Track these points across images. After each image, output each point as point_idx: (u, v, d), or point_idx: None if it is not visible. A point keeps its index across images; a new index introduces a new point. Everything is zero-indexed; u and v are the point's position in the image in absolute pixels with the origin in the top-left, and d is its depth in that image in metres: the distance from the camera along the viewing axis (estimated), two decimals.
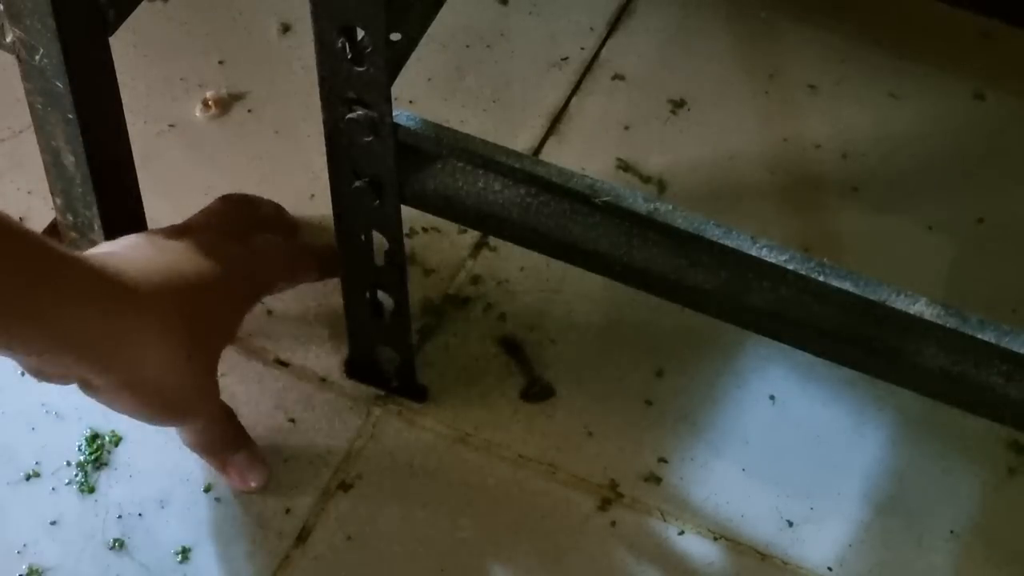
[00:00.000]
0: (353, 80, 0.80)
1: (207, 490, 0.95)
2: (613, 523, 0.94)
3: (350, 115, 0.82)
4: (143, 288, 0.83)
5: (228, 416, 0.93)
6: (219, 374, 0.99)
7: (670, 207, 0.80)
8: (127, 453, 0.96)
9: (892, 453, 0.97)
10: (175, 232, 0.92)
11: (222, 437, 0.93)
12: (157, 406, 0.86)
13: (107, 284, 0.81)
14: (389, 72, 0.79)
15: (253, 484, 0.94)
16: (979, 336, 0.76)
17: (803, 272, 0.78)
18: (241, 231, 0.96)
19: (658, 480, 0.96)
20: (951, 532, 0.94)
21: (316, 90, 0.81)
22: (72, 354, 0.80)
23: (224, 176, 1.09)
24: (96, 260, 0.83)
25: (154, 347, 0.83)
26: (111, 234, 0.99)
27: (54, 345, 0.79)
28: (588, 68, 1.16)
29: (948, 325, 0.77)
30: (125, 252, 0.88)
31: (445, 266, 1.05)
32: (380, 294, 0.93)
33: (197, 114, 1.12)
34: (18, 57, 0.91)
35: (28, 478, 0.95)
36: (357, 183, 0.86)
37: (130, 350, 0.82)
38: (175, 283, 0.86)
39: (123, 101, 0.96)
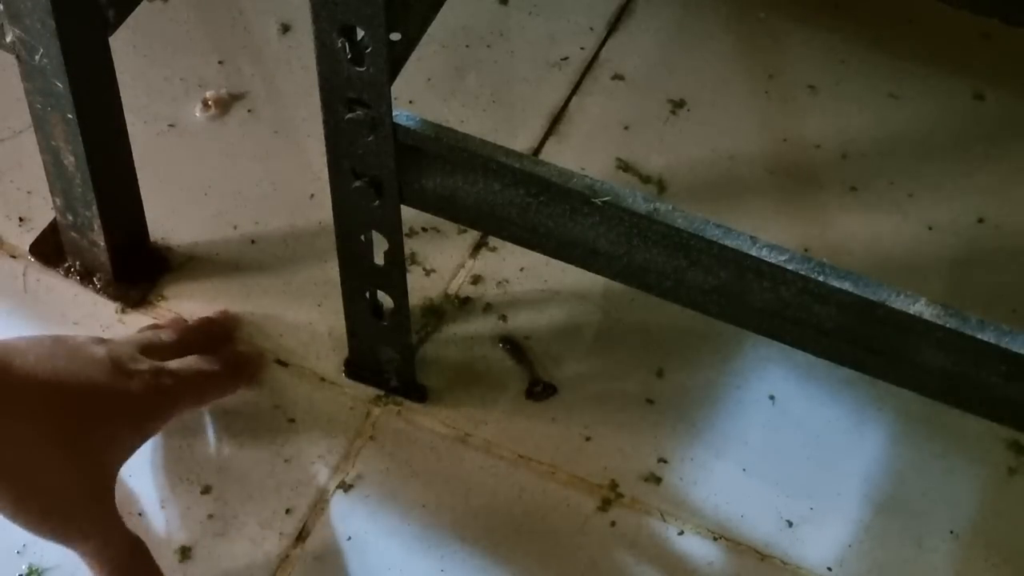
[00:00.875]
0: (353, 80, 0.80)
1: (206, 490, 0.95)
2: (613, 523, 0.94)
3: (350, 115, 0.82)
4: (13, 390, 0.80)
5: (134, 546, 0.85)
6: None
7: (670, 207, 0.80)
8: None
9: (892, 453, 0.97)
10: (83, 344, 0.86)
11: (129, 570, 0.85)
12: (35, 512, 0.80)
13: None
14: (389, 72, 0.79)
15: None
16: (979, 336, 0.76)
17: (803, 272, 0.78)
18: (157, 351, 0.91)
19: (658, 480, 0.96)
20: (951, 532, 0.94)
21: (316, 90, 0.81)
22: None
23: (224, 176, 1.09)
24: None
25: (26, 449, 0.79)
26: (111, 234, 1.00)
27: None
28: (588, 68, 1.16)
29: (948, 325, 0.77)
30: (8, 353, 0.82)
31: (445, 266, 1.05)
32: (380, 294, 0.93)
33: (197, 114, 1.12)
34: (18, 57, 0.91)
35: None
36: (357, 183, 0.86)
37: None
38: (55, 387, 0.81)
39: (123, 101, 0.96)
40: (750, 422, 0.99)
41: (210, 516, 0.94)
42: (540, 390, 0.99)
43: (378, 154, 0.84)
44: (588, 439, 0.98)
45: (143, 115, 1.10)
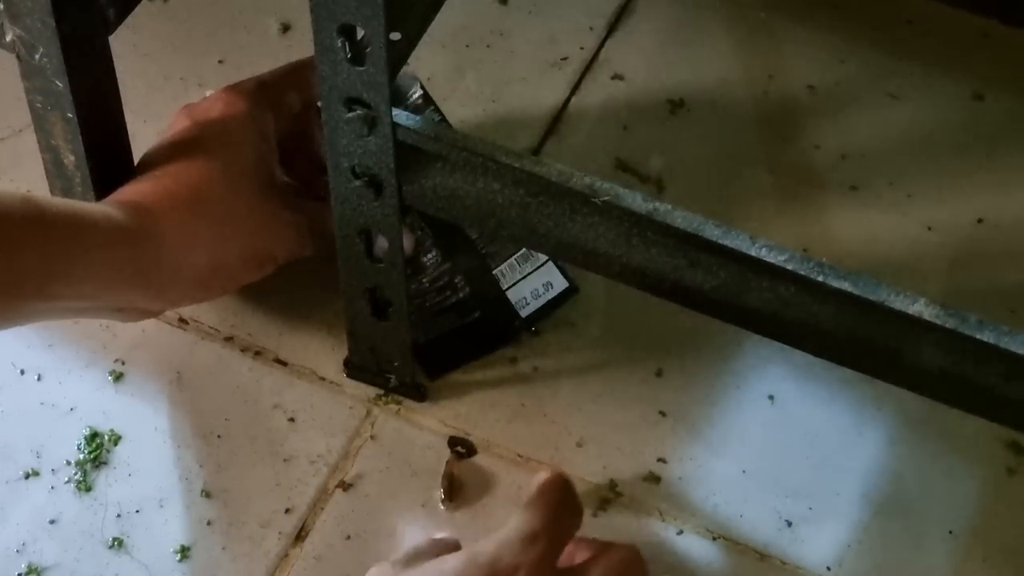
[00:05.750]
0: (353, 80, 0.80)
1: (205, 489, 0.95)
2: (612, 523, 0.94)
3: (350, 114, 0.82)
4: (146, 200, 0.91)
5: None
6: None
7: (669, 207, 0.80)
8: (126, 452, 0.96)
9: (891, 453, 0.97)
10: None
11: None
12: (242, 270, 0.95)
13: (117, 227, 0.89)
14: (389, 72, 0.79)
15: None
16: (978, 336, 0.76)
17: (803, 272, 0.78)
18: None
19: (657, 480, 0.96)
20: (950, 532, 0.94)
21: None
22: (126, 292, 0.90)
23: None
24: (104, 209, 0.90)
25: (181, 243, 0.90)
26: None
27: (105, 293, 0.89)
28: (588, 68, 1.16)
29: (947, 325, 0.77)
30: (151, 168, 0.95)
31: None
32: (379, 294, 0.93)
33: None
34: (18, 56, 0.91)
35: (27, 476, 0.95)
36: (356, 182, 0.86)
37: (168, 261, 0.90)
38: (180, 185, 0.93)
39: (123, 100, 0.96)
40: (749, 422, 0.99)
41: (209, 515, 0.94)
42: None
43: (378, 154, 0.84)
44: (587, 439, 0.97)
45: (143, 114, 1.10)
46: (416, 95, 1.05)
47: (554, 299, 1.01)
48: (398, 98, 1.03)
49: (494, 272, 1.01)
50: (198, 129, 0.96)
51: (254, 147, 0.95)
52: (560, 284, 1.01)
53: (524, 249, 1.01)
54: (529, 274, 1.01)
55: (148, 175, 0.94)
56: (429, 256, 1.01)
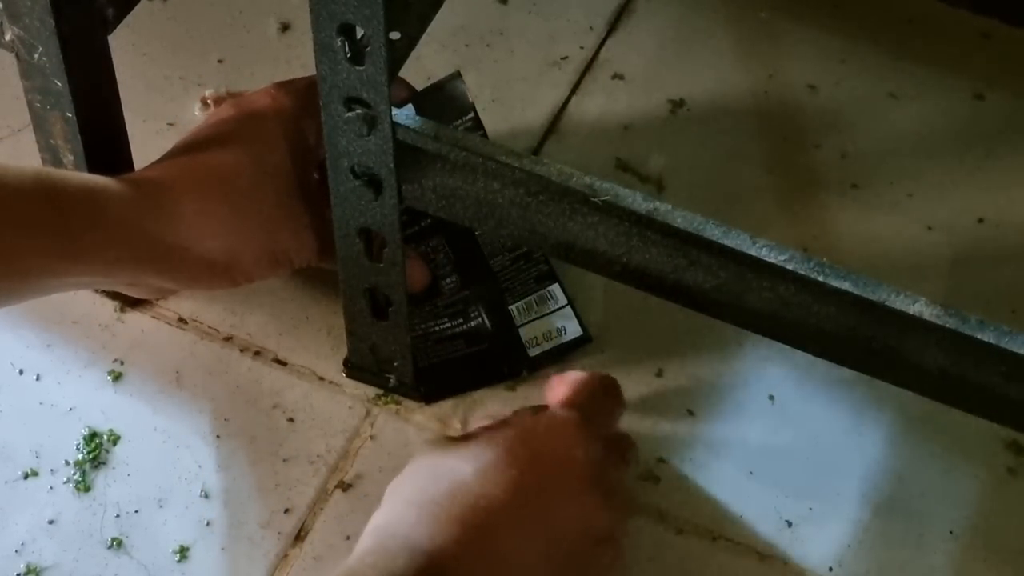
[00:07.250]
0: (352, 79, 0.80)
1: (205, 490, 0.94)
2: None
3: (349, 114, 0.82)
4: (168, 179, 0.91)
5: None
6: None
7: (669, 207, 0.80)
8: (125, 452, 0.96)
9: (892, 453, 0.97)
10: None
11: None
12: (250, 265, 0.93)
13: (138, 205, 0.89)
14: (389, 71, 0.79)
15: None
16: (978, 336, 0.76)
17: (803, 272, 0.78)
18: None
19: (657, 480, 0.96)
20: (951, 532, 0.94)
21: None
22: (138, 270, 0.90)
23: None
24: (127, 185, 0.90)
25: (197, 226, 0.90)
26: None
27: (117, 271, 0.90)
28: (588, 68, 1.16)
29: (948, 325, 0.77)
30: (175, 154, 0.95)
31: None
32: (379, 294, 0.93)
33: (196, 113, 1.12)
34: (17, 55, 0.91)
35: (26, 477, 0.95)
36: (356, 182, 0.86)
37: (184, 242, 0.90)
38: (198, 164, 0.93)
39: (122, 100, 0.96)
40: (750, 422, 0.98)
41: (209, 515, 0.94)
42: None
43: (377, 153, 0.83)
44: None
45: (142, 114, 1.10)
46: (468, 118, 1.02)
47: (565, 345, 0.99)
48: (449, 119, 1.02)
49: (510, 308, 0.99)
50: (238, 119, 0.95)
51: (291, 146, 0.94)
52: (574, 331, 0.99)
53: (543, 289, 1.00)
54: (545, 315, 0.99)
55: (177, 156, 0.93)
56: (448, 280, 1.00)
